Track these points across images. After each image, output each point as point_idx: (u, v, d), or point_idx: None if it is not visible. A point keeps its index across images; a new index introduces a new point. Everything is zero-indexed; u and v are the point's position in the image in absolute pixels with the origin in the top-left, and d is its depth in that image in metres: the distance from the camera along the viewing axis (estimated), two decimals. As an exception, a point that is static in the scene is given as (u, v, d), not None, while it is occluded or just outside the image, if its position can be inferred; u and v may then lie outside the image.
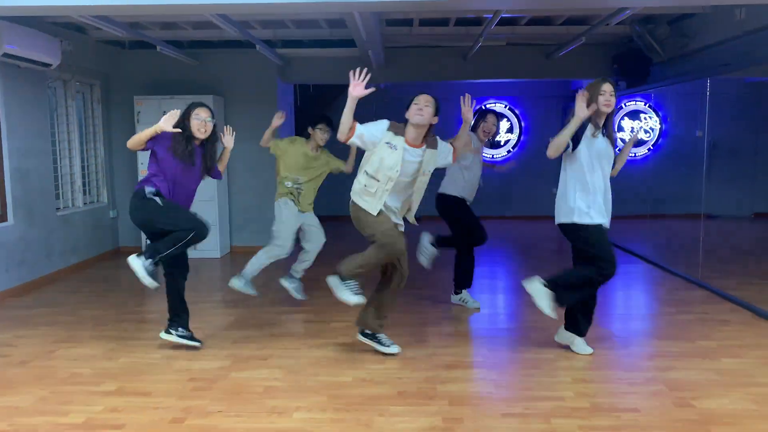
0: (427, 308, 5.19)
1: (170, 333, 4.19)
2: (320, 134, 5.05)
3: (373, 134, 3.80)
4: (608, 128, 3.93)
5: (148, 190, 3.88)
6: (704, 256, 6.15)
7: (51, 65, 5.96)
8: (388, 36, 7.23)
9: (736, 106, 10.28)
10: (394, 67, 8.14)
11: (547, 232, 9.34)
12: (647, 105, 10.53)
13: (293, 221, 5.07)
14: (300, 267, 5.28)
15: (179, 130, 3.90)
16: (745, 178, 10.58)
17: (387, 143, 3.78)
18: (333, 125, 4.94)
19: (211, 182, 7.49)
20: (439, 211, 5.07)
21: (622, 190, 9.93)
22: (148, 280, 3.82)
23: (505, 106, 10.65)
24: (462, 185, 4.99)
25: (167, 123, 3.85)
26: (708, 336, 4.36)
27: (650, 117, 10.60)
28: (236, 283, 5.16)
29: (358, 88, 3.70)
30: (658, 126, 10.58)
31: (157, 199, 3.85)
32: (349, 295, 3.84)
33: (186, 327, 4.24)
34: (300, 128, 10.03)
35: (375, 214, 3.81)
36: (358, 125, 3.77)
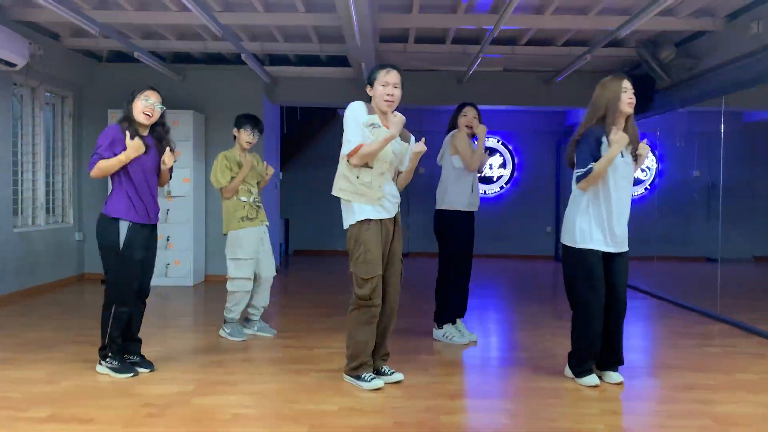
0: (425, 335, 4.61)
1: (104, 362, 3.59)
2: (245, 135, 4.47)
3: (359, 131, 3.29)
4: (630, 131, 3.47)
5: (121, 225, 3.46)
6: (720, 292, 5.68)
7: (16, 65, 5.48)
8: (382, 54, 6.89)
9: (734, 147, 10.04)
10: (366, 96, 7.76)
11: (542, 271, 8.86)
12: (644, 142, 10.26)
13: (256, 246, 4.48)
14: (259, 304, 4.58)
15: (140, 143, 3.44)
16: (744, 220, 10.26)
17: (371, 125, 3.31)
18: (260, 126, 4.53)
19: (187, 204, 6.95)
20: (438, 228, 4.53)
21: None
22: (121, 377, 3.49)
23: (498, 141, 10.32)
24: (463, 192, 4.42)
25: (137, 151, 3.41)
26: (746, 369, 3.83)
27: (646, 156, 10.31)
28: (224, 332, 4.50)
29: (399, 126, 3.25)
30: (655, 165, 10.30)
31: (122, 236, 3.44)
32: (367, 385, 3.33)
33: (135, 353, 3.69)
34: (285, 157, 9.64)
35: (375, 217, 3.31)
36: (357, 143, 3.28)
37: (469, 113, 4.52)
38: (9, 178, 5.88)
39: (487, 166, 10.31)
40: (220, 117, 7.34)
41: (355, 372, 3.38)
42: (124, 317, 3.51)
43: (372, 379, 3.34)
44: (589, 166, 3.33)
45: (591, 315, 3.42)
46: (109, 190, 3.61)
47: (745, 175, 10.21)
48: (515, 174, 10.36)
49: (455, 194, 4.41)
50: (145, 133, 3.55)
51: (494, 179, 10.32)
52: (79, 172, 7.22)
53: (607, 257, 3.47)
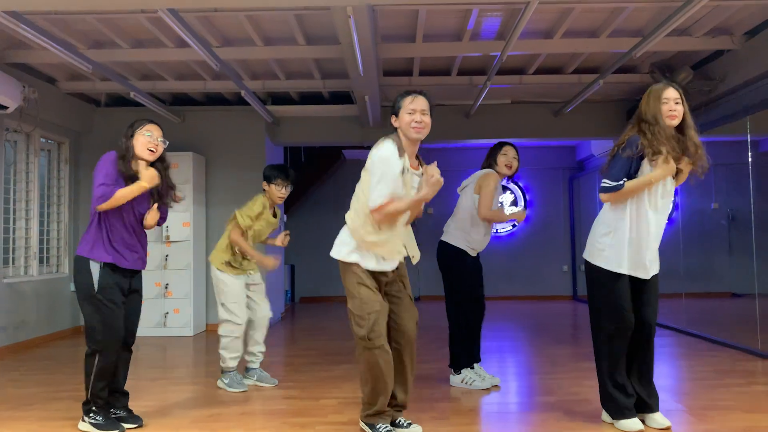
0: (442, 382, 4.20)
1: (89, 417, 3.21)
2: (276, 191, 4.16)
3: (396, 180, 2.95)
4: (690, 145, 3.08)
5: (91, 266, 3.14)
6: (759, 329, 5.26)
7: (7, 108, 5.29)
8: (385, 88, 6.69)
9: (754, 176, 9.71)
10: (391, 126, 7.54)
11: (560, 311, 8.43)
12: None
13: (240, 291, 4.16)
14: (256, 349, 4.25)
15: (156, 175, 3.20)
16: (765, 253, 9.84)
17: (402, 170, 2.96)
18: (291, 176, 4.19)
19: (186, 249, 6.64)
20: (443, 262, 4.16)
21: None
22: None
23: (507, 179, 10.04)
24: (477, 233, 4.08)
25: (152, 181, 3.16)
26: (805, 408, 3.41)
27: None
28: (222, 382, 4.15)
29: (435, 189, 2.90)
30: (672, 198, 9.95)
31: (95, 278, 3.12)
32: None
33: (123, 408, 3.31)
34: (289, 200, 9.37)
35: (375, 267, 2.99)
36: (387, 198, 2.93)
37: (510, 153, 4.17)
38: (0, 227, 5.61)
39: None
40: (221, 159, 7.13)
41: (370, 419, 2.99)
42: (107, 367, 3.15)
43: (386, 430, 2.94)
44: (622, 182, 3.01)
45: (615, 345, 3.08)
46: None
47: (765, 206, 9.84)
48: (527, 211, 10.04)
49: (465, 233, 4.07)
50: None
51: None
52: (76, 219, 6.96)
53: (636, 280, 3.12)
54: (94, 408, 3.17)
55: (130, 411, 3.32)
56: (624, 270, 3.06)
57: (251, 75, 6.36)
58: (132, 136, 3.20)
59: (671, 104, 3.04)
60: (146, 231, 3.35)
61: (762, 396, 3.72)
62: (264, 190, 4.21)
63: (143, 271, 3.40)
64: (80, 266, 3.13)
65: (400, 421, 3.09)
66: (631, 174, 3.02)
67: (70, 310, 6.79)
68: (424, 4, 4.32)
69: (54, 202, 6.71)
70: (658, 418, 3.12)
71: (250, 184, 6.74)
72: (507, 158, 4.18)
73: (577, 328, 7.06)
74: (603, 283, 3.11)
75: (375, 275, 3.00)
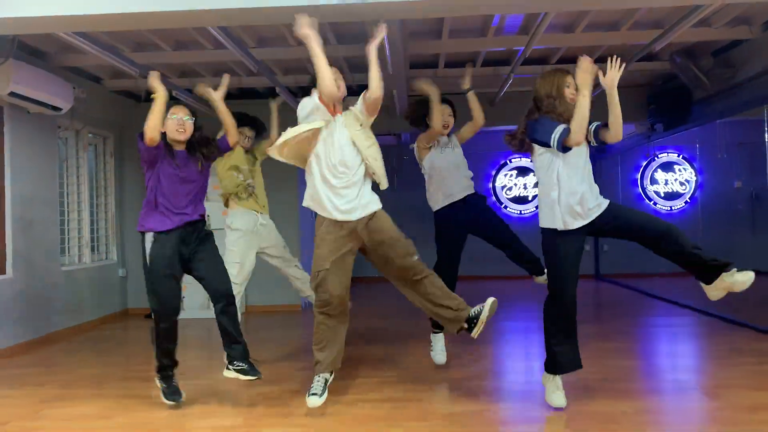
0: (470, 360, 4.54)
1: (228, 369, 3.60)
2: (241, 138, 4.64)
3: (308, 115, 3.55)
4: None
5: (145, 241, 3.47)
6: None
7: (61, 109, 5.67)
8: (412, 80, 6.91)
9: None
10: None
11: (583, 290, 8.68)
12: (681, 156, 10.07)
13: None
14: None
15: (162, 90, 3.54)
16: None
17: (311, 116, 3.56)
18: (256, 127, 4.80)
19: (224, 236, 7.01)
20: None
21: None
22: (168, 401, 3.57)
23: (531, 160, 10.23)
24: (434, 191, 4.36)
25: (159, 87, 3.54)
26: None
27: (684, 169, 10.11)
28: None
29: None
30: (694, 178, 10.08)
31: (147, 251, 3.45)
32: (309, 398, 3.38)
33: (240, 359, 3.59)
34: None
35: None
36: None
37: (445, 110, 4.44)
38: (57, 219, 6.05)
39: (521, 185, 10.25)
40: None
41: (321, 367, 3.45)
42: (163, 336, 3.48)
43: (311, 394, 3.36)
44: (564, 126, 3.23)
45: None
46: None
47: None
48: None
49: (435, 191, 4.37)
50: (181, 147, 3.59)
51: (529, 198, 10.22)
52: (122, 209, 7.39)
53: (593, 224, 3.29)
54: (158, 375, 3.57)
55: (250, 363, 3.57)
56: (574, 225, 3.25)
57: (284, 70, 6.65)
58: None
59: (572, 89, 3.34)
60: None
61: (773, 374, 3.98)
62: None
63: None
64: (140, 240, 3.49)
65: (474, 312, 3.43)
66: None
67: (119, 294, 7.27)
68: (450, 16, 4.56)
69: (101, 194, 7.15)
70: (738, 277, 3.20)
71: (285, 171, 7.07)
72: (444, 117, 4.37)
73: (600, 306, 7.33)
74: (556, 243, 3.34)
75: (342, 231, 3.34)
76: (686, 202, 10.09)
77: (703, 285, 3.33)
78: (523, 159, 10.21)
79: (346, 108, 3.58)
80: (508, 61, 6.55)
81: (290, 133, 3.40)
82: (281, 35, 5.46)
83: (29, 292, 5.52)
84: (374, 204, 3.43)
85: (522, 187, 10.24)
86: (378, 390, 3.85)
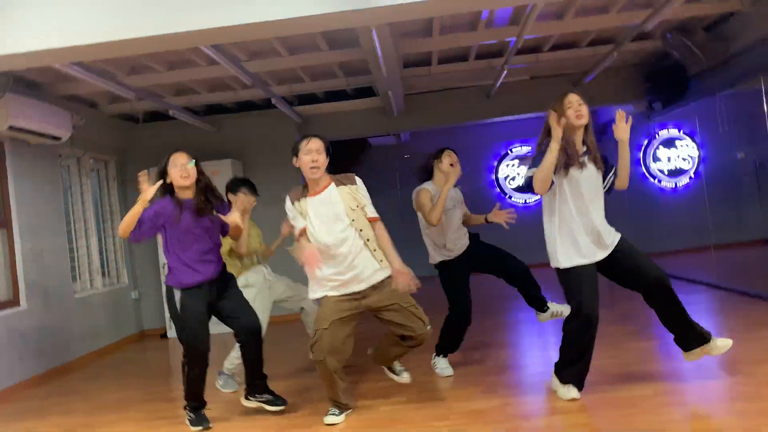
0: (487, 355, 4.55)
1: (249, 399, 3.72)
2: (244, 199, 4.13)
3: (290, 214, 3.47)
4: (588, 146, 3.33)
5: (174, 292, 3.53)
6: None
7: (61, 138, 5.71)
8: (406, 80, 6.95)
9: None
10: (415, 113, 7.83)
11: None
12: (682, 132, 10.04)
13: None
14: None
15: (159, 183, 3.47)
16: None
17: (298, 214, 3.41)
18: (255, 189, 4.35)
19: (235, 250, 7.06)
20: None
21: (672, 224, 9.52)
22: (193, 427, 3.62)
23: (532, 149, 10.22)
24: (432, 246, 4.15)
25: (151, 191, 3.39)
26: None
27: (687, 144, 10.08)
28: (219, 382, 4.40)
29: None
30: (697, 153, 10.04)
31: (177, 302, 3.51)
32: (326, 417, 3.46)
33: (264, 391, 3.73)
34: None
35: (318, 296, 3.40)
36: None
37: (452, 156, 4.16)
38: (66, 247, 6.10)
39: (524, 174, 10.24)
40: (258, 161, 7.50)
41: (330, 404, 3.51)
42: (193, 377, 3.56)
43: (330, 414, 3.45)
44: (532, 170, 3.28)
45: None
46: (159, 252, 3.67)
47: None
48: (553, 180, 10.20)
49: (435, 246, 4.16)
50: (189, 195, 3.54)
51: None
52: (129, 231, 7.42)
53: (604, 260, 3.35)
54: (187, 407, 3.63)
55: (272, 392, 3.70)
56: (575, 261, 3.29)
57: (278, 81, 6.66)
58: (165, 172, 3.52)
59: (575, 107, 3.27)
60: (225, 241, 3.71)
61: (790, 345, 3.98)
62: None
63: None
64: (168, 294, 3.55)
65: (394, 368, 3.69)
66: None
67: (134, 316, 7.31)
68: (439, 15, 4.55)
69: (108, 218, 7.19)
70: (718, 344, 3.33)
71: (286, 181, 7.10)
72: (444, 164, 4.14)
73: (613, 288, 7.31)
74: (573, 278, 3.34)
75: (344, 303, 3.32)
76: (690, 178, 10.06)
77: (682, 350, 3.46)
78: (524, 147, 10.20)
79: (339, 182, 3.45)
80: (502, 53, 6.55)
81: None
82: (272, 48, 5.48)
83: (45, 321, 5.57)
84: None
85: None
86: (398, 392, 3.86)
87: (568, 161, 3.24)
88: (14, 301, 5.30)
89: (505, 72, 6.39)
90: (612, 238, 3.37)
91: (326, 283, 3.34)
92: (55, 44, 3.54)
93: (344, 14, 3.58)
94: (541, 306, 4.35)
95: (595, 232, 3.31)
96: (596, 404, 3.29)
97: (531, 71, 7.33)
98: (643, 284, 3.36)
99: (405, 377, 3.72)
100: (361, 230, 3.32)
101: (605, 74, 7.35)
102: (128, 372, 5.47)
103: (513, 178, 10.21)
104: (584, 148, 3.33)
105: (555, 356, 4.39)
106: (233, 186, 4.32)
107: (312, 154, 3.34)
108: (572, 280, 3.32)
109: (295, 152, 3.43)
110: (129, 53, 3.90)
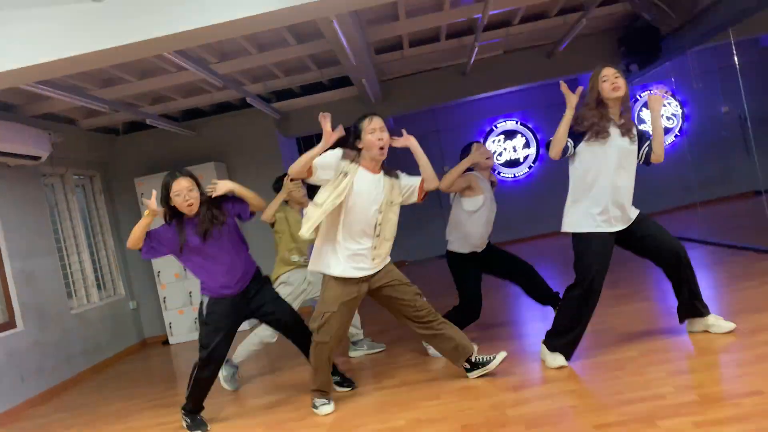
0: (475, 330, 4.59)
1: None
2: (296, 192, 4.38)
3: (332, 162, 3.27)
4: (624, 117, 3.37)
5: (203, 298, 3.62)
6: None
7: (41, 158, 5.73)
8: (381, 66, 6.96)
9: (758, 74, 9.71)
10: (393, 99, 7.84)
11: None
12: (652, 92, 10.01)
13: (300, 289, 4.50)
14: (357, 323, 4.59)
15: (164, 209, 3.47)
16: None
17: (342, 173, 3.28)
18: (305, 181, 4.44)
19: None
20: (449, 267, 4.33)
21: (659, 184, 9.54)
22: None
23: (516, 122, 10.23)
24: (465, 234, 4.14)
25: (152, 203, 3.36)
26: (810, 299, 3.71)
27: (669, 103, 10.06)
28: (223, 373, 4.38)
29: (335, 135, 3.22)
30: (680, 110, 10.04)
31: (204, 308, 3.59)
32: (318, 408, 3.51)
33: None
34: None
35: (337, 273, 3.33)
36: (316, 161, 3.23)
37: (481, 149, 4.14)
38: (57, 265, 6.13)
39: (510, 148, 10.25)
40: (240, 162, 7.51)
41: (313, 394, 3.52)
42: (201, 380, 3.60)
43: (321, 404, 3.48)
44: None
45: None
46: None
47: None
48: (541, 151, 10.24)
49: (459, 238, 4.17)
50: (194, 212, 3.50)
51: (521, 160, 10.23)
52: (121, 243, 7.47)
53: (623, 232, 3.41)
54: (183, 411, 3.67)
55: (343, 375, 3.81)
56: (593, 228, 3.34)
57: (252, 79, 6.67)
58: (168, 201, 3.45)
59: (611, 80, 3.30)
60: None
61: (773, 294, 4.02)
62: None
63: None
64: (200, 300, 3.64)
65: (481, 359, 3.51)
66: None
67: (133, 326, 7.37)
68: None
69: (98, 232, 7.22)
70: (721, 323, 3.44)
71: (270, 179, 7.11)
72: (482, 157, 4.15)
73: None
74: (576, 247, 3.42)
75: (351, 286, 3.34)
76: (676, 136, 10.07)
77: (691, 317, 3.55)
78: (509, 122, 10.20)
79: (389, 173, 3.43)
80: (472, 30, 6.54)
81: (318, 212, 3.27)
82: (242, 48, 5.48)
83: (43, 341, 5.62)
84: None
85: (512, 150, 10.23)
86: (390, 377, 3.91)
87: (599, 131, 3.29)
88: (10, 324, 5.34)
89: (477, 49, 6.38)
90: (634, 212, 3.43)
91: (343, 260, 3.30)
92: (15, 65, 3.54)
93: (301, 7, 3.58)
94: (556, 302, 4.28)
95: (619, 203, 3.36)
96: (583, 369, 3.34)
97: (504, 46, 7.32)
98: (662, 258, 3.44)
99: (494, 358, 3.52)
100: (380, 224, 3.33)
101: (580, 42, 7.35)
102: (130, 382, 5.53)
103: (500, 154, 10.22)
104: (621, 120, 3.36)
105: (543, 328, 4.43)
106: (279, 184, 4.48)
107: (377, 133, 3.28)
108: (585, 248, 3.37)
109: (357, 133, 3.34)
110: (92, 67, 3.90)
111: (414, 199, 3.47)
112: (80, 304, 6.52)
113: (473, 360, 3.52)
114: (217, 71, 5.70)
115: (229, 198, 3.62)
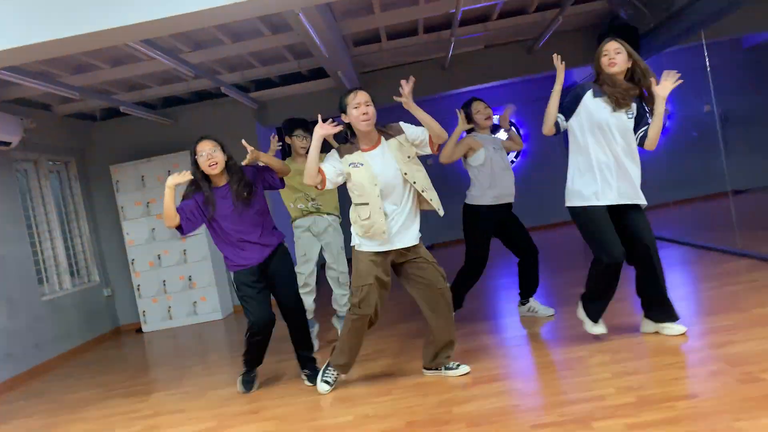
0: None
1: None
2: (298, 141, 4.56)
3: (336, 167, 3.37)
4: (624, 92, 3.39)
5: (229, 275, 3.77)
6: (742, 227, 5.55)
7: (11, 143, 5.69)
8: (359, 58, 6.93)
9: (740, 75, 9.73)
10: (372, 91, 7.70)
11: (559, 240, 8.75)
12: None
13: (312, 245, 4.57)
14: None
15: (189, 177, 3.55)
16: (764, 147, 9.92)
17: (351, 165, 3.35)
18: (310, 129, 4.42)
19: (201, 242, 7.10)
20: (462, 220, 4.52)
21: (647, 180, 9.55)
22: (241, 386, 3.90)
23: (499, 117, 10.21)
24: (481, 187, 4.38)
25: (173, 178, 3.49)
26: (764, 303, 3.75)
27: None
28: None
29: (325, 128, 3.29)
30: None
31: (233, 283, 3.72)
32: (321, 384, 3.60)
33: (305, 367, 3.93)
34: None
35: (378, 248, 3.33)
36: (324, 171, 3.35)
37: (479, 105, 4.54)
38: (29, 251, 6.11)
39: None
40: (218, 151, 7.47)
41: (335, 367, 3.58)
42: (253, 342, 3.72)
43: (332, 377, 3.59)
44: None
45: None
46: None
47: (757, 102, 9.89)
48: (524, 145, 10.23)
49: (475, 189, 4.44)
50: (223, 181, 3.61)
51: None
52: (96, 231, 7.44)
53: (618, 209, 3.42)
54: (243, 359, 3.86)
55: (316, 369, 3.81)
56: (596, 201, 3.38)
57: (229, 68, 6.63)
58: (195, 162, 3.57)
59: (611, 55, 3.37)
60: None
61: (730, 296, 4.06)
62: (288, 145, 4.61)
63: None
64: (229, 277, 3.78)
65: (450, 365, 3.51)
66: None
67: (107, 313, 7.37)
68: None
69: (72, 218, 7.19)
70: (675, 327, 3.46)
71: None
72: (480, 115, 4.48)
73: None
74: (580, 221, 3.48)
75: (381, 257, 3.35)
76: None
77: (644, 316, 3.59)
78: (494, 116, 10.16)
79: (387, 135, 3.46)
80: (450, 24, 6.51)
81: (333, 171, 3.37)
82: (215, 37, 5.44)
83: (12, 328, 5.60)
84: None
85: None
86: (352, 369, 3.93)
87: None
88: (-23, 310, 5.33)
89: (453, 43, 6.37)
90: (638, 196, 3.44)
91: (373, 234, 3.29)
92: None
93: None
94: (527, 294, 4.49)
95: (625, 176, 3.39)
96: (533, 368, 3.37)
97: (484, 40, 7.30)
98: (632, 246, 3.44)
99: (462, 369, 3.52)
100: (414, 182, 3.34)
101: (560, 38, 7.33)
102: (97, 371, 5.53)
103: (482, 148, 10.21)
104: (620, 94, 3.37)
105: (504, 323, 4.46)
106: (289, 128, 4.51)
107: (361, 107, 3.31)
108: (590, 224, 3.40)
109: (342, 108, 3.38)
110: (52, 55, 3.86)
111: (428, 150, 3.49)
112: (52, 290, 6.50)
113: (447, 366, 3.53)
114: (191, 60, 5.66)
115: (257, 167, 3.72)
